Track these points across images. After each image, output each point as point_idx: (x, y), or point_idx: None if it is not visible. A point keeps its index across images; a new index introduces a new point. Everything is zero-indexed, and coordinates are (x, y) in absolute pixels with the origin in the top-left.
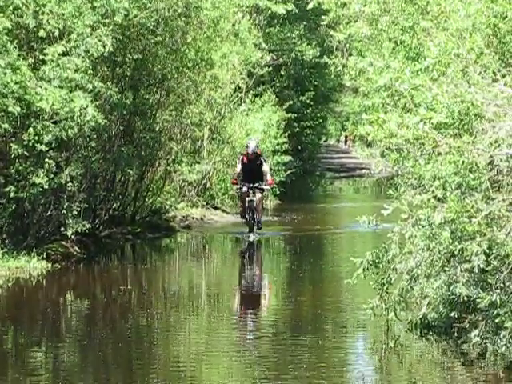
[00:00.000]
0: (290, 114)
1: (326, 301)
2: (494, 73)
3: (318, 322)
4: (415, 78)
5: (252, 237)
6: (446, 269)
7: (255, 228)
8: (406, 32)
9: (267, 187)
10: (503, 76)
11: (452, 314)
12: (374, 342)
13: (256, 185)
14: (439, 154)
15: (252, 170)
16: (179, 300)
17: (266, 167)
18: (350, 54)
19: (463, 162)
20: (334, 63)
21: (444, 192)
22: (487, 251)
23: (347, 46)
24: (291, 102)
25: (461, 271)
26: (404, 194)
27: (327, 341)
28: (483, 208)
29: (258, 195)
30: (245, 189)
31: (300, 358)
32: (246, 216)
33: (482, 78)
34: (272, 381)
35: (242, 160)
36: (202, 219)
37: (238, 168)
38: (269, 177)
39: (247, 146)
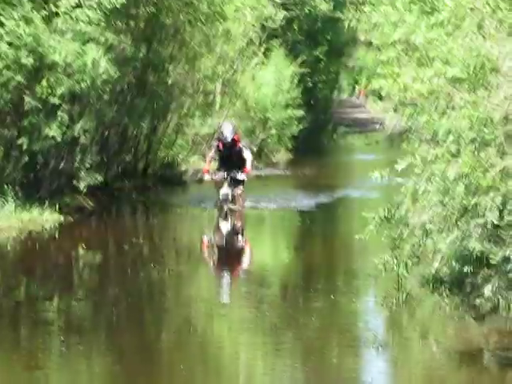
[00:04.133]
0: (303, 69)
1: (337, 256)
2: (509, 26)
3: (328, 277)
4: (430, 31)
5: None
6: (459, 224)
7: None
8: None
9: (243, 176)
10: None
11: (465, 269)
12: (386, 296)
13: (231, 175)
14: (453, 108)
15: (229, 156)
16: (191, 253)
17: (247, 154)
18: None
19: (478, 116)
20: (347, 18)
21: (458, 147)
22: (501, 206)
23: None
24: (305, 57)
25: (474, 226)
26: (418, 149)
27: (338, 295)
28: (497, 162)
29: (238, 190)
30: (218, 177)
31: (311, 310)
32: (219, 211)
33: (498, 31)
34: (284, 330)
35: (218, 146)
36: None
37: (211, 154)
38: (248, 165)
39: (221, 132)
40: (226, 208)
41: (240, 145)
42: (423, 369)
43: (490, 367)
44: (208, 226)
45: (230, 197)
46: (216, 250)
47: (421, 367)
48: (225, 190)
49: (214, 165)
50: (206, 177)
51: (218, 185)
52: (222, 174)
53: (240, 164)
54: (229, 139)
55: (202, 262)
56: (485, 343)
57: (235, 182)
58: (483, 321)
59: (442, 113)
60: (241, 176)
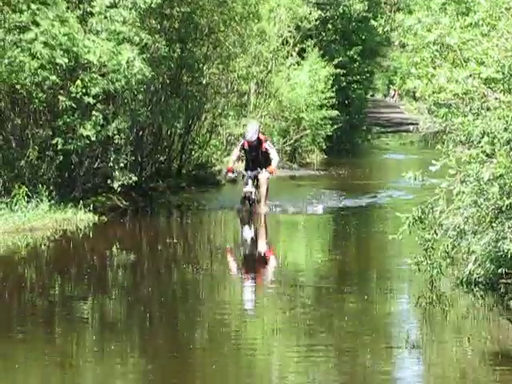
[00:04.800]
0: (338, 70)
1: (371, 256)
2: None
3: (362, 277)
4: (465, 32)
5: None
6: (494, 225)
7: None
8: None
9: (267, 175)
10: None
11: (499, 271)
12: (419, 297)
13: (254, 173)
14: (488, 109)
15: (255, 156)
16: (225, 254)
17: (274, 154)
18: (398, 9)
19: None
20: (380, 25)
21: (493, 147)
22: None
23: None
24: (340, 58)
25: (509, 227)
26: (452, 150)
27: (372, 295)
28: None
29: (263, 187)
30: (245, 177)
31: (344, 310)
32: (240, 206)
33: None
34: (316, 332)
35: (243, 145)
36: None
37: (235, 152)
38: (274, 164)
39: (245, 132)
40: (248, 206)
41: (265, 145)
42: (457, 370)
43: None
44: (242, 227)
45: (253, 195)
46: (243, 250)
47: (454, 368)
48: (248, 188)
49: (241, 165)
50: (229, 175)
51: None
52: (248, 174)
53: (266, 164)
54: (253, 139)
55: (237, 263)
56: None
57: (258, 179)
58: None
59: (476, 114)
60: (264, 174)
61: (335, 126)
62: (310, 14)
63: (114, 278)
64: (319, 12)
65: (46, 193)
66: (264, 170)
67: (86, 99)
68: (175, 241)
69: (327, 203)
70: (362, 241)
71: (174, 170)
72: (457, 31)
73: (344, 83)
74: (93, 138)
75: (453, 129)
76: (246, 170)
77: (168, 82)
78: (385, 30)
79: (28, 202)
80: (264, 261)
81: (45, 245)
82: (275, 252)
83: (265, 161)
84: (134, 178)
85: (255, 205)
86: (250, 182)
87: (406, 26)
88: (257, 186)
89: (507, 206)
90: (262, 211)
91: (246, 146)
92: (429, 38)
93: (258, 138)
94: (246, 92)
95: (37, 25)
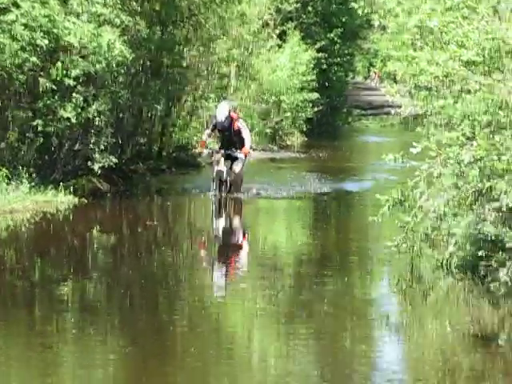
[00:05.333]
0: (319, 53)
1: (351, 238)
2: None
3: (341, 259)
4: (445, 15)
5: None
6: (474, 207)
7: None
8: None
9: (241, 155)
10: None
11: (479, 253)
12: (399, 279)
13: (228, 152)
14: (468, 91)
15: (228, 136)
16: (205, 236)
17: (246, 133)
18: None
19: (493, 99)
20: (360, 7)
21: (473, 130)
22: None
23: None
24: (322, 43)
25: (489, 210)
26: (433, 133)
27: (351, 278)
28: None
29: (236, 168)
30: (217, 156)
31: (323, 293)
32: (212, 191)
33: None
34: (295, 316)
35: (215, 125)
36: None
37: (207, 131)
38: (247, 145)
39: (215, 115)
40: (219, 189)
41: (238, 124)
42: (437, 352)
43: (504, 351)
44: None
45: (224, 175)
46: (219, 234)
47: (434, 350)
48: (220, 167)
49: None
50: (204, 152)
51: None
52: (219, 151)
53: (240, 144)
54: (223, 120)
55: (217, 245)
56: (499, 327)
57: (232, 160)
58: (497, 304)
59: (456, 96)
60: (239, 155)
61: (316, 109)
62: None
63: (93, 260)
64: None
65: (27, 175)
66: (237, 150)
67: (67, 81)
68: (155, 223)
69: (310, 185)
70: (342, 223)
71: (155, 152)
72: (437, 14)
73: (324, 66)
74: (73, 120)
75: (433, 112)
76: (219, 149)
77: (148, 64)
78: (364, 11)
79: (8, 184)
80: (241, 245)
81: (25, 226)
82: (253, 236)
83: (239, 140)
84: (115, 160)
85: (227, 186)
86: (222, 160)
87: (387, 8)
88: (230, 167)
89: (487, 188)
90: (236, 194)
91: (219, 126)
92: (410, 23)
93: (230, 116)
94: (227, 74)
95: (17, 6)
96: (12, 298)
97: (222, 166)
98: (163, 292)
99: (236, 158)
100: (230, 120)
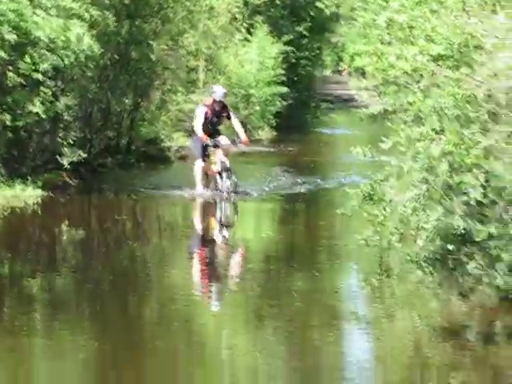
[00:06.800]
0: (287, 47)
1: (320, 231)
2: (493, 4)
3: (311, 253)
4: (414, 9)
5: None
6: (443, 201)
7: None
8: None
9: (242, 147)
10: (503, 7)
11: (448, 247)
12: (368, 273)
13: (229, 142)
14: (437, 86)
15: (216, 124)
16: (173, 231)
17: (237, 122)
18: None
19: (462, 94)
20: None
21: (442, 124)
22: (484, 183)
23: None
24: (291, 37)
25: (458, 204)
26: (402, 127)
27: (320, 272)
28: (481, 140)
29: (226, 159)
30: (212, 145)
31: (292, 287)
32: (219, 184)
33: (482, 9)
34: (263, 310)
35: (206, 113)
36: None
37: (201, 121)
38: (243, 135)
39: (213, 92)
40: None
41: (228, 110)
42: (406, 345)
43: (473, 343)
44: (190, 204)
45: (228, 165)
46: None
47: (403, 343)
48: (221, 157)
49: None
50: (209, 142)
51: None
52: (217, 142)
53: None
54: (222, 98)
55: (184, 240)
56: (468, 319)
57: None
58: (466, 298)
59: (425, 91)
60: (241, 145)
61: (284, 103)
62: None
63: (61, 255)
64: None
65: None
66: (225, 137)
67: (35, 75)
68: (124, 217)
69: (281, 180)
70: (311, 218)
71: (123, 146)
72: (406, 8)
73: (293, 59)
74: (42, 115)
75: (402, 105)
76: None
77: (117, 58)
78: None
79: None
80: (214, 242)
81: None
82: (224, 234)
83: (220, 130)
84: (83, 155)
85: (236, 182)
86: (219, 152)
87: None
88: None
89: (456, 182)
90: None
91: (209, 113)
92: (378, 20)
93: (223, 102)
94: (196, 68)
95: None
96: None
97: (222, 156)
98: (131, 288)
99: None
100: (222, 105)
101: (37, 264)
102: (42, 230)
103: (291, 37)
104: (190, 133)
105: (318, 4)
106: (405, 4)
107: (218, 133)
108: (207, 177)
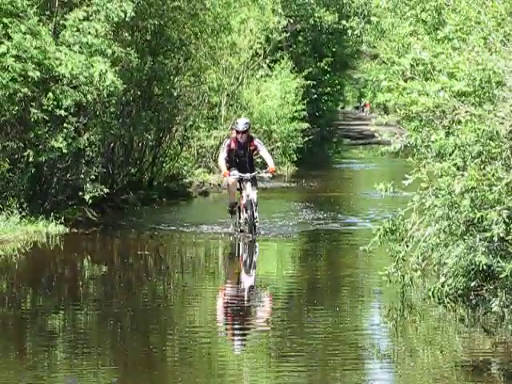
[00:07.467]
0: (308, 82)
1: (342, 267)
2: None
3: (333, 288)
4: (436, 46)
5: (252, 236)
6: (465, 237)
7: (254, 229)
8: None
9: (268, 175)
10: None
11: (471, 283)
12: (390, 309)
13: (253, 174)
14: (459, 122)
15: (242, 156)
16: (197, 266)
17: (264, 151)
18: (369, 21)
19: (484, 130)
20: (351, 27)
21: (464, 160)
22: (507, 220)
23: (366, 11)
24: (310, 69)
25: (480, 240)
26: (424, 163)
27: (342, 306)
28: (504, 176)
29: (255, 191)
30: (236, 178)
31: (315, 323)
32: (242, 216)
33: (504, 45)
34: (286, 346)
35: (229, 145)
36: (219, 185)
37: (223, 156)
38: (271, 163)
39: (236, 123)
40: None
41: (255, 142)
42: (429, 382)
43: (496, 380)
44: (214, 239)
45: (256, 200)
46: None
47: (427, 380)
48: (248, 192)
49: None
50: (230, 179)
51: (233, 189)
52: (242, 176)
53: (252, 167)
54: (245, 129)
55: (208, 276)
56: (491, 356)
57: (253, 182)
58: (489, 334)
59: (447, 127)
60: (265, 174)
61: (306, 138)
62: (279, 22)
63: (84, 291)
64: (288, 20)
65: (17, 205)
66: (250, 174)
67: (58, 111)
68: (147, 253)
69: (301, 216)
70: (333, 254)
71: (145, 181)
72: (428, 45)
73: (315, 95)
74: (64, 151)
75: (424, 145)
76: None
77: (139, 94)
78: (355, 32)
79: None
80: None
81: (15, 257)
82: (248, 272)
83: (250, 162)
84: (106, 190)
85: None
86: (247, 185)
87: (379, 28)
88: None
89: (478, 218)
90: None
91: (233, 146)
92: (403, 62)
93: (248, 134)
94: (217, 104)
95: (9, 38)
96: (2, 327)
97: (251, 191)
98: (153, 322)
99: (254, 181)
100: (249, 137)
101: (58, 299)
102: (64, 266)
103: (311, 70)
104: (212, 169)
105: (341, 40)
106: (426, 42)
107: (250, 166)
108: (239, 209)
